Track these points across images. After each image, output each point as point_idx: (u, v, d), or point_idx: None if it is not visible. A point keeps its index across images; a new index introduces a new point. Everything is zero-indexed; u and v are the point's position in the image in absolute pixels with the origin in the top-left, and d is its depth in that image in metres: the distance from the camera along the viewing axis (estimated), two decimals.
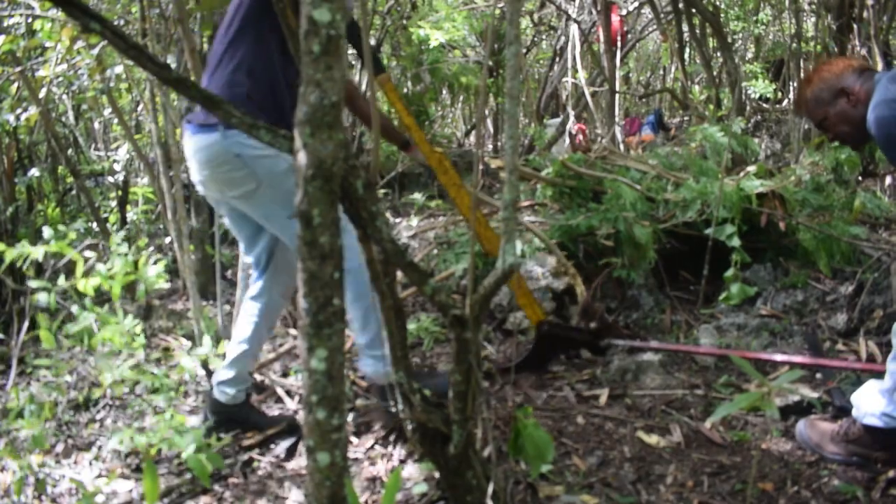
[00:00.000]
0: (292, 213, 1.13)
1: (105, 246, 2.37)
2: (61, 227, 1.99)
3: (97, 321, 2.01)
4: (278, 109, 2.30)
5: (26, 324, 2.74)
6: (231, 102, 1.41)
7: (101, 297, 2.27)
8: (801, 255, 3.82)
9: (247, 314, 2.61)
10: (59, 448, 2.58)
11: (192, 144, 2.34)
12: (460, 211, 2.93)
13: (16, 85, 3.92)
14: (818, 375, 2.87)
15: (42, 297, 1.90)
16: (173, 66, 3.65)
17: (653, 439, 2.51)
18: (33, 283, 1.91)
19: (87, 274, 1.92)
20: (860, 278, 3.44)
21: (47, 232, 1.93)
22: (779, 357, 2.83)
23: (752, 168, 4.23)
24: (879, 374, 2.31)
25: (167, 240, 4.79)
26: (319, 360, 1.18)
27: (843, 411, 2.58)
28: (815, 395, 2.68)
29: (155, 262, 1.98)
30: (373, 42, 6.43)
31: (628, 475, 2.29)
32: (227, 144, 2.25)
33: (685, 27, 7.73)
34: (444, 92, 8.55)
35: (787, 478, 2.23)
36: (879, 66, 5.39)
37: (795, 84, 7.24)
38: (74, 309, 2.09)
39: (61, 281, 1.95)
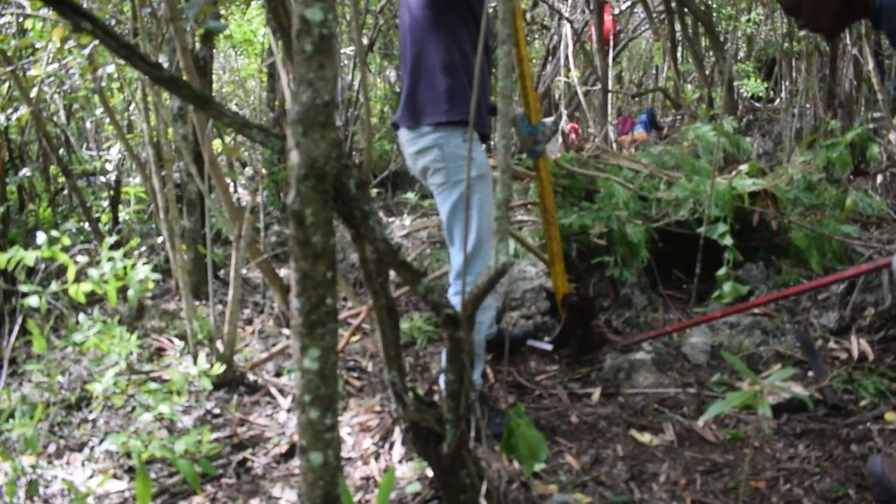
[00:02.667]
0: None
1: (98, 247, 2.36)
2: (54, 233, 1.98)
3: (94, 331, 2.00)
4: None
5: (18, 325, 2.73)
6: None
7: (94, 297, 2.26)
8: (793, 253, 3.83)
9: None
10: (52, 449, 2.57)
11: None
12: (542, 200, 2.96)
13: (7, 84, 3.90)
14: (810, 374, 2.88)
15: (33, 300, 1.89)
16: (165, 65, 3.63)
17: (646, 438, 2.52)
18: (24, 287, 1.90)
19: (78, 278, 1.92)
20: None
21: (40, 237, 1.92)
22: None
23: (744, 167, 4.24)
24: None
25: (159, 239, 4.77)
26: (312, 360, 1.18)
27: (836, 409, 2.59)
28: (807, 393, 2.69)
29: (144, 264, 1.97)
30: (365, 41, 6.42)
31: (621, 474, 2.29)
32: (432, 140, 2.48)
33: (677, 26, 7.75)
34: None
35: (779, 476, 2.24)
36: (870, 66, 5.41)
37: (788, 83, 7.26)
38: (66, 310, 2.08)
39: (53, 285, 1.94)
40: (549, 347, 3.16)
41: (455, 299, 2.56)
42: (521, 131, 2.82)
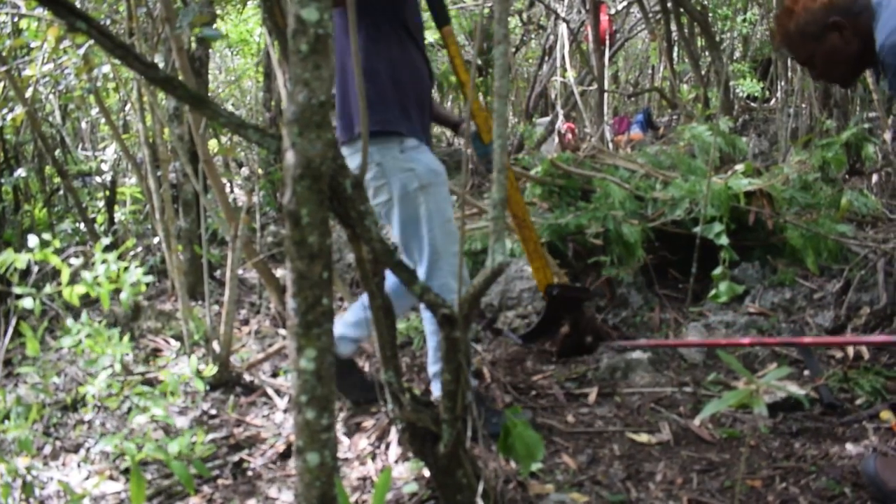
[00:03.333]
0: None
1: (93, 248, 2.35)
2: (46, 236, 1.97)
3: (84, 334, 1.99)
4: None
5: (12, 326, 2.72)
6: None
7: (88, 299, 2.26)
8: (788, 253, 3.84)
9: None
10: (47, 450, 2.56)
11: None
12: (511, 208, 2.77)
13: (2, 84, 3.89)
14: (806, 372, 2.88)
15: (27, 302, 1.88)
16: (161, 65, 3.63)
17: (642, 437, 2.52)
18: (18, 290, 1.89)
19: (72, 280, 1.91)
20: (847, 276, 3.46)
21: (32, 240, 1.91)
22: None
23: (739, 166, 4.25)
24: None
25: (155, 240, 4.77)
26: (309, 360, 1.17)
27: (832, 408, 2.60)
28: (802, 392, 2.69)
29: (139, 266, 1.97)
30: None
31: (618, 473, 2.29)
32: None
33: (673, 26, 7.76)
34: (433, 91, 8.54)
35: (775, 474, 2.24)
36: None
37: (783, 83, 7.27)
38: (61, 312, 2.08)
39: (48, 287, 1.94)
40: (519, 341, 3.12)
41: (425, 314, 2.47)
42: (476, 151, 2.72)
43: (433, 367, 2.59)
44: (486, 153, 2.66)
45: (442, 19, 2.52)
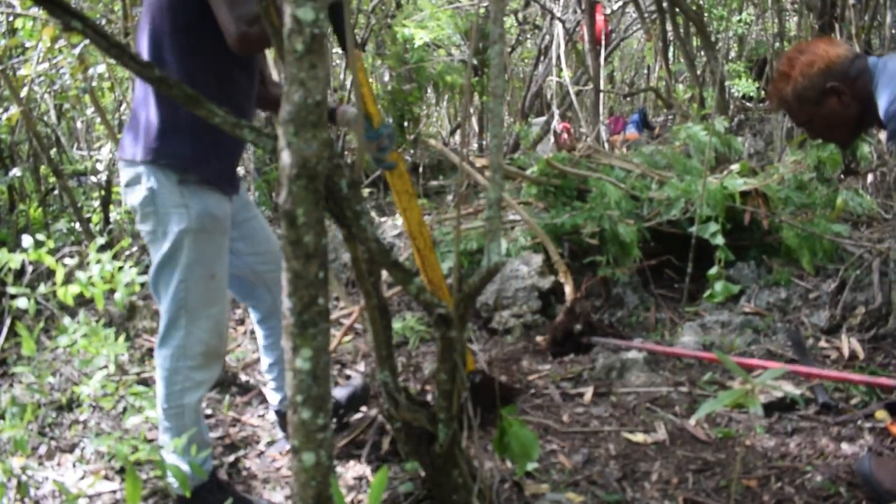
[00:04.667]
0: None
1: (88, 248, 2.35)
2: (41, 236, 1.96)
3: (80, 334, 1.99)
4: None
5: (7, 326, 2.71)
6: None
7: (83, 299, 2.25)
8: (784, 252, 3.84)
9: None
10: (42, 450, 2.56)
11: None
12: (406, 223, 2.36)
13: None
14: None
15: (22, 302, 1.88)
16: None
17: (638, 437, 2.52)
18: (13, 290, 1.89)
19: (67, 280, 1.91)
20: (843, 276, 3.47)
21: (26, 240, 1.91)
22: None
23: (735, 166, 4.26)
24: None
25: None
26: (304, 360, 1.17)
27: (827, 407, 2.60)
28: (798, 391, 2.70)
29: (133, 266, 1.96)
30: (358, 40, 6.41)
31: (613, 473, 2.29)
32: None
33: (669, 26, 7.77)
34: (429, 91, 8.54)
35: (770, 474, 2.24)
36: None
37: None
38: (56, 312, 2.08)
39: (43, 287, 1.93)
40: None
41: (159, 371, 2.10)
42: (361, 137, 2.10)
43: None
44: (375, 137, 2.18)
45: (344, 43, 2.11)
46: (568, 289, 3.38)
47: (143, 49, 2.00)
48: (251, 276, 2.32)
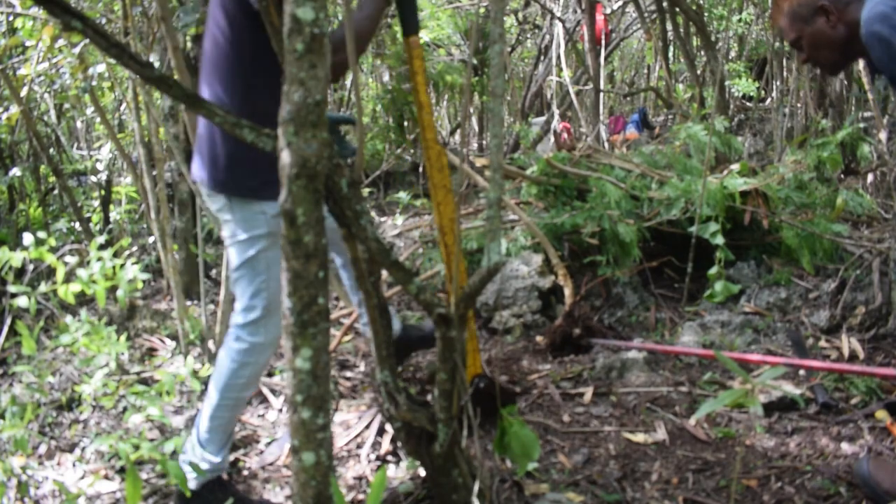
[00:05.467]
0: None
1: (88, 247, 2.35)
2: (41, 235, 1.96)
3: (82, 333, 1.99)
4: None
5: (7, 325, 2.72)
6: None
7: (84, 298, 2.26)
8: (784, 252, 3.85)
9: None
10: (42, 449, 2.56)
11: None
12: (438, 217, 2.37)
13: None
14: (801, 372, 2.89)
15: (22, 301, 1.88)
16: (156, 64, 3.62)
17: (638, 437, 2.52)
18: (13, 288, 1.89)
19: (68, 279, 1.91)
20: (843, 275, 3.47)
21: (27, 238, 1.91)
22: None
23: (735, 166, 4.26)
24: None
25: (151, 239, 4.76)
26: (304, 360, 1.17)
27: (827, 407, 2.60)
28: (798, 391, 2.70)
29: (134, 264, 1.96)
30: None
31: (613, 472, 2.29)
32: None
33: (669, 26, 7.77)
34: (429, 91, 8.54)
35: (770, 474, 2.24)
36: (861, 65, 5.43)
37: (779, 83, 7.29)
38: (56, 311, 2.08)
39: (43, 286, 1.93)
40: None
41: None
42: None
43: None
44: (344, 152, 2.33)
45: (409, 27, 2.22)
46: (567, 291, 3.37)
47: (209, 51, 2.08)
48: (329, 231, 2.44)
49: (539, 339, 3.40)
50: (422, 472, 2.21)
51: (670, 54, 9.06)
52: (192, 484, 2.11)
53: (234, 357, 2.13)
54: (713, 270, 3.69)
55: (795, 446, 2.40)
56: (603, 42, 8.02)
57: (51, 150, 4.83)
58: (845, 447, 2.36)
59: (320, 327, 1.18)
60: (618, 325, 3.59)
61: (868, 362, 2.88)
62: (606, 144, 7.42)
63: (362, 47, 2.26)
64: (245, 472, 2.43)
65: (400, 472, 2.33)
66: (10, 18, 3.86)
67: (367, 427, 2.65)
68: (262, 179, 2.05)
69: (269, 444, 2.61)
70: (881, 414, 2.50)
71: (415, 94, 2.28)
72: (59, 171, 4.42)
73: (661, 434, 2.53)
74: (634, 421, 2.65)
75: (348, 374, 3.17)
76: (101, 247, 2.00)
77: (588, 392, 2.87)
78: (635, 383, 2.93)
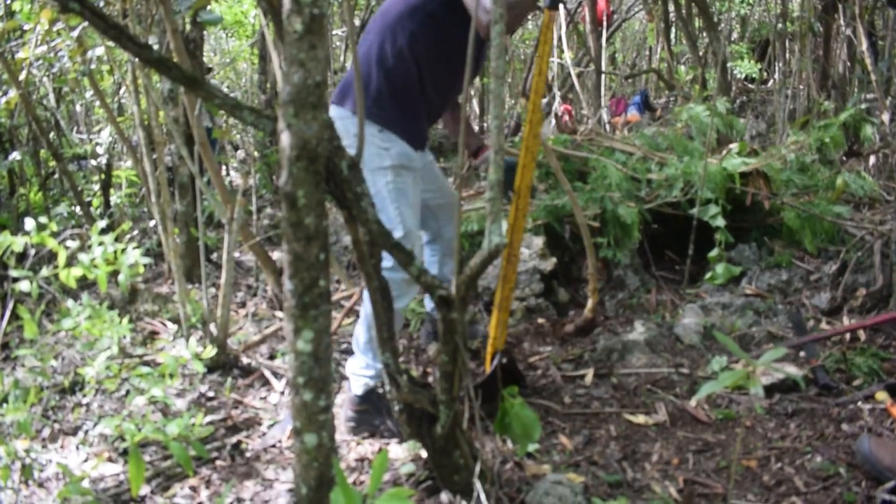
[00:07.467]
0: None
1: (89, 231, 2.34)
2: (42, 219, 1.96)
3: (84, 316, 1.99)
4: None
5: (9, 309, 2.72)
6: None
7: (85, 282, 2.26)
8: (785, 234, 3.84)
9: None
10: (46, 433, 2.57)
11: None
12: (520, 179, 2.53)
13: None
14: (802, 354, 2.89)
15: (24, 285, 1.88)
16: (155, 47, 3.60)
17: (638, 418, 2.53)
18: (15, 273, 1.89)
19: (69, 263, 1.90)
20: (844, 257, 3.47)
21: (29, 223, 1.91)
22: None
23: (734, 146, 4.24)
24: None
25: (151, 223, 4.76)
26: (306, 342, 1.18)
27: (827, 389, 2.61)
28: (799, 373, 2.70)
29: (136, 248, 1.96)
30: (357, 22, 6.38)
31: (614, 453, 2.30)
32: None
33: (671, 7, 7.72)
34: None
35: (770, 455, 2.25)
36: (864, 46, 5.40)
37: (781, 65, 7.25)
38: (58, 295, 2.08)
39: (45, 270, 1.93)
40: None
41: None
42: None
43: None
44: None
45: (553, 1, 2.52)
46: (590, 303, 3.23)
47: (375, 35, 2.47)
48: (423, 207, 2.72)
49: (568, 328, 3.33)
50: (423, 454, 2.22)
51: (672, 36, 9.01)
52: (359, 390, 2.47)
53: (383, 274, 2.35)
54: (714, 252, 3.69)
55: (795, 427, 2.41)
56: (604, 23, 7.97)
57: (50, 135, 4.82)
58: (845, 428, 2.37)
59: (321, 309, 1.18)
60: (618, 307, 3.59)
61: (869, 344, 2.89)
62: (608, 127, 7.39)
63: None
64: (248, 455, 2.44)
65: (402, 454, 2.34)
66: (8, 1, 3.83)
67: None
68: (400, 116, 2.46)
69: (271, 426, 2.62)
70: (881, 395, 2.50)
71: (538, 60, 2.53)
72: (58, 156, 4.42)
73: (661, 415, 2.54)
74: (635, 402, 2.66)
75: (350, 356, 3.18)
76: (102, 231, 1.99)
77: (589, 374, 2.88)
78: (636, 365, 2.93)
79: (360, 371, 2.49)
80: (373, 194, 2.37)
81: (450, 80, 2.59)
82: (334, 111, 2.50)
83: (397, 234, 2.40)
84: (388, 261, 2.28)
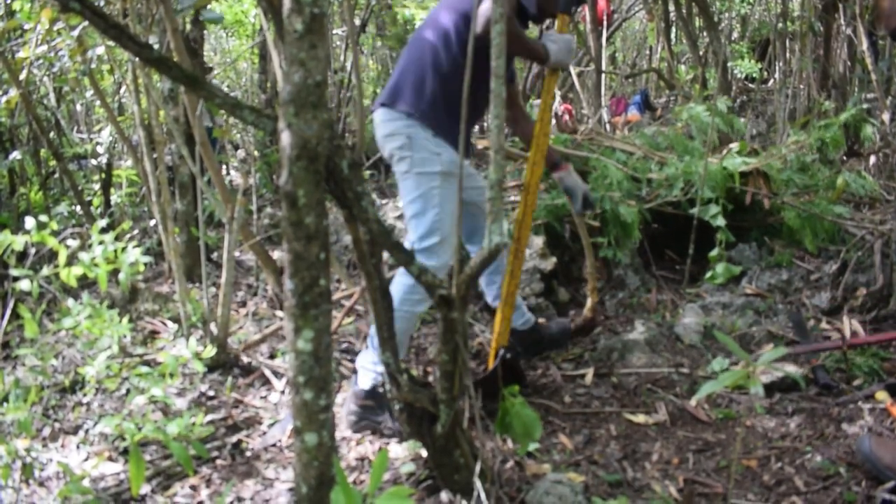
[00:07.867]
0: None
1: (89, 230, 2.35)
2: (43, 218, 1.96)
3: (84, 316, 1.99)
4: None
5: (10, 309, 2.72)
6: None
7: (85, 281, 2.26)
8: (785, 234, 3.84)
9: None
10: (46, 432, 2.57)
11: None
12: (529, 174, 2.64)
13: None
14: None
15: (25, 284, 1.88)
16: (155, 46, 3.60)
17: (638, 417, 2.53)
18: (15, 272, 1.89)
19: (70, 262, 1.90)
20: (844, 257, 3.47)
21: (29, 222, 1.91)
22: None
23: (734, 145, 4.24)
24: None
25: (152, 222, 4.76)
26: (306, 341, 1.18)
27: (827, 388, 2.61)
28: (799, 372, 2.71)
29: (136, 247, 1.96)
30: (357, 22, 6.37)
31: (614, 453, 2.30)
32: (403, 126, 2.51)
33: (671, 7, 7.72)
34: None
35: (770, 454, 2.25)
36: (864, 46, 5.40)
37: (781, 64, 7.25)
38: (58, 294, 2.08)
39: (45, 269, 1.93)
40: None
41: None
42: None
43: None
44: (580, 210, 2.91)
45: (567, 6, 2.58)
46: (590, 302, 3.25)
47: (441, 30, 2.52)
48: (462, 204, 2.67)
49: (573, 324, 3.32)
50: (423, 453, 2.22)
51: (672, 35, 9.00)
52: (366, 384, 2.49)
53: (408, 279, 2.46)
54: (714, 252, 3.69)
55: (796, 427, 2.41)
56: (605, 23, 7.97)
57: (51, 134, 4.82)
58: (845, 428, 2.37)
59: (322, 309, 1.18)
60: (619, 307, 3.59)
61: (869, 344, 2.88)
62: (608, 126, 7.39)
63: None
64: (248, 454, 2.44)
65: (402, 453, 2.34)
66: (9, 1, 3.83)
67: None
68: (452, 123, 2.46)
69: (271, 425, 2.62)
70: (881, 395, 2.50)
71: (544, 90, 2.61)
72: (59, 155, 4.41)
73: (661, 415, 2.54)
74: (635, 402, 2.66)
75: (350, 355, 3.18)
76: (103, 230, 1.99)
77: (589, 373, 2.88)
78: (636, 365, 2.93)
79: (370, 366, 2.51)
80: (415, 196, 2.47)
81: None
82: (385, 113, 2.54)
83: (433, 240, 2.46)
84: None
